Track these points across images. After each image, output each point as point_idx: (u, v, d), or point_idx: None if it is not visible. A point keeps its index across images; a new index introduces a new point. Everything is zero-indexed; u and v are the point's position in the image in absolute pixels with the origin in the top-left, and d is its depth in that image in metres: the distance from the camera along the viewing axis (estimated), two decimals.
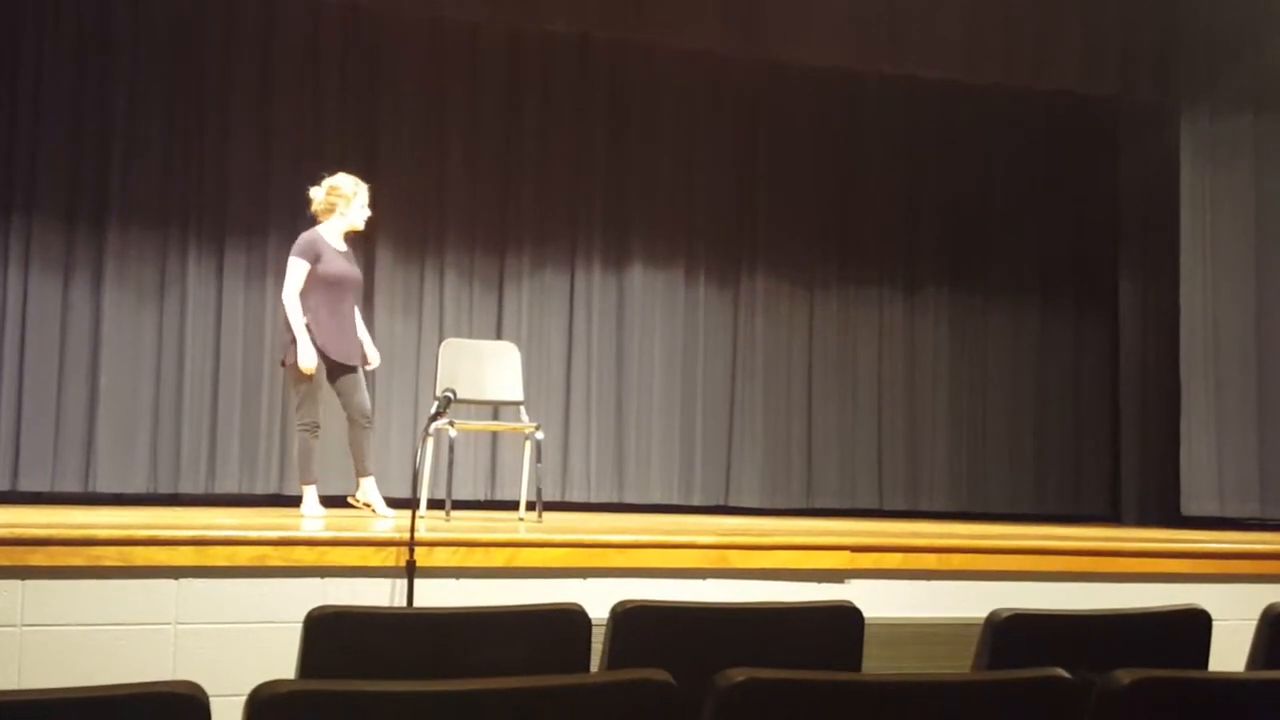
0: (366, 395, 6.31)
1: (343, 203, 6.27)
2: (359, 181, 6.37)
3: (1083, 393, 9.91)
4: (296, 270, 6.13)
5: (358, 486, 6.29)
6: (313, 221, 6.38)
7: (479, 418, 7.61)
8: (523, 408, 6.93)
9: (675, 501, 8.90)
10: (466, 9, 8.03)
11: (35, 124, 7.90)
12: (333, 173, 6.42)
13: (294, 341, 6.06)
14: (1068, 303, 9.95)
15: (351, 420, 6.24)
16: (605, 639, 3.00)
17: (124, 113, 8.06)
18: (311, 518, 5.96)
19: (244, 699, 1.92)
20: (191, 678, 2.01)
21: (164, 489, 7.94)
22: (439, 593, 4.67)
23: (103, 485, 7.81)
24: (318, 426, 6.13)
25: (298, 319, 6.07)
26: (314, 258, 6.16)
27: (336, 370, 6.19)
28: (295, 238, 8.25)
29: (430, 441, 6.57)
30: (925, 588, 5.29)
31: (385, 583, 4.66)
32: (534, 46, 8.83)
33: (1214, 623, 3.35)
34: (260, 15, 8.32)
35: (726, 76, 9.17)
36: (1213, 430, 8.36)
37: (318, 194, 6.31)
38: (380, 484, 6.39)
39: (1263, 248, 8.38)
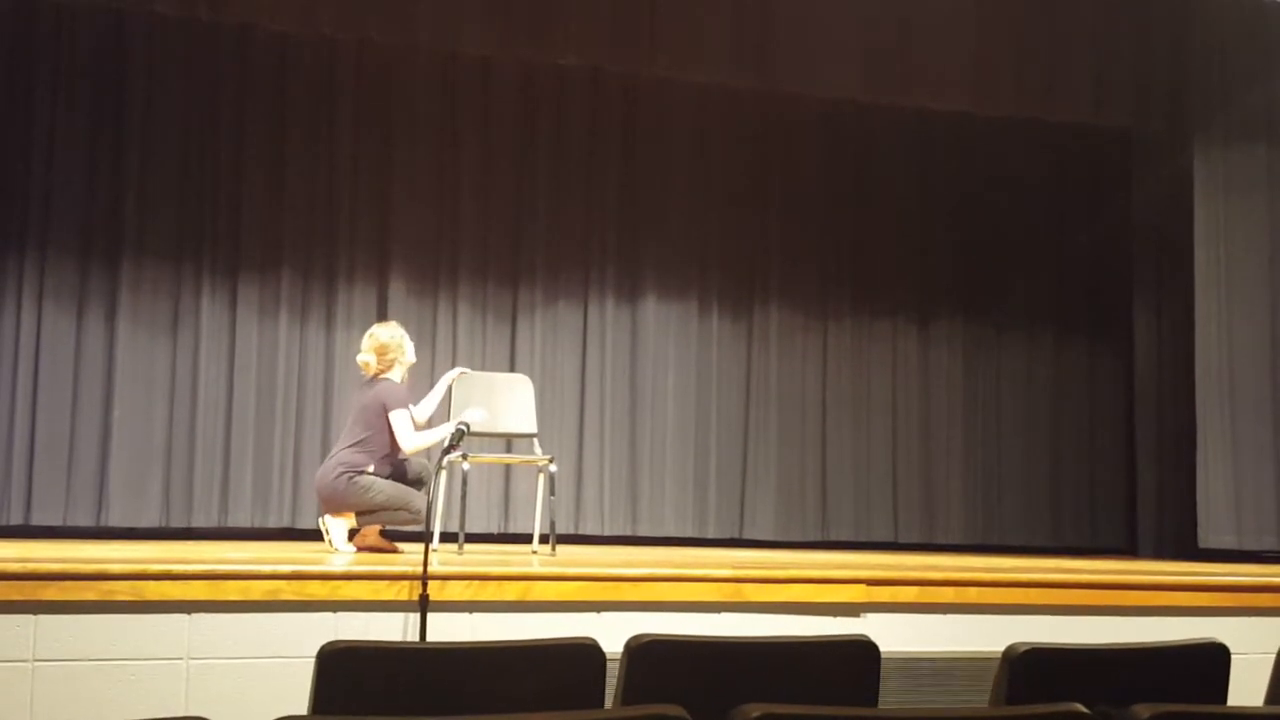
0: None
1: (399, 354, 6.34)
2: (392, 325, 6.50)
3: (1098, 424, 9.86)
4: (407, 417, 6.18)
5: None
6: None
7: (492, 450, 7.60)
8: (536, 440, 6.92)
9: (689, 534, 8.86)
10: (479, 43, 8.07)
11: (50, 159, 7.94)
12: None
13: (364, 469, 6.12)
14: (1082, 334, 9.92)
15: None
16: (620, 674, 2.98)
17: (138, 148, 8.10)
18: (341, 551, 6.01)
19: None
20: (204, 713, 2.00)
21: (177, 523, 7.93)
22: (452, 627, 4.65)
23: (115, 520, 7.80)
24: (418, 511, 6.10)
25: (436, 434, 6.20)
26: (408, 404, 6.24)
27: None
28: (308, 271, 8.35)
29: (444, 474, 6.56)
30: (942, 621, 5.26)
31: (398, 617, 4.65)
32: (546, 80, 8.86)
33: (1233, 656, 3.32)
34: (273, 48, 8.35)
35: (738, 109, 9.19)
36: (1229, 462, 8.30)
37: (371, 361, 6.32)
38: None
39: (1277, 277, 8.35)
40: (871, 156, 9.60)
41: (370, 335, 6.42)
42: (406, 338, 6.41)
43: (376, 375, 6.31)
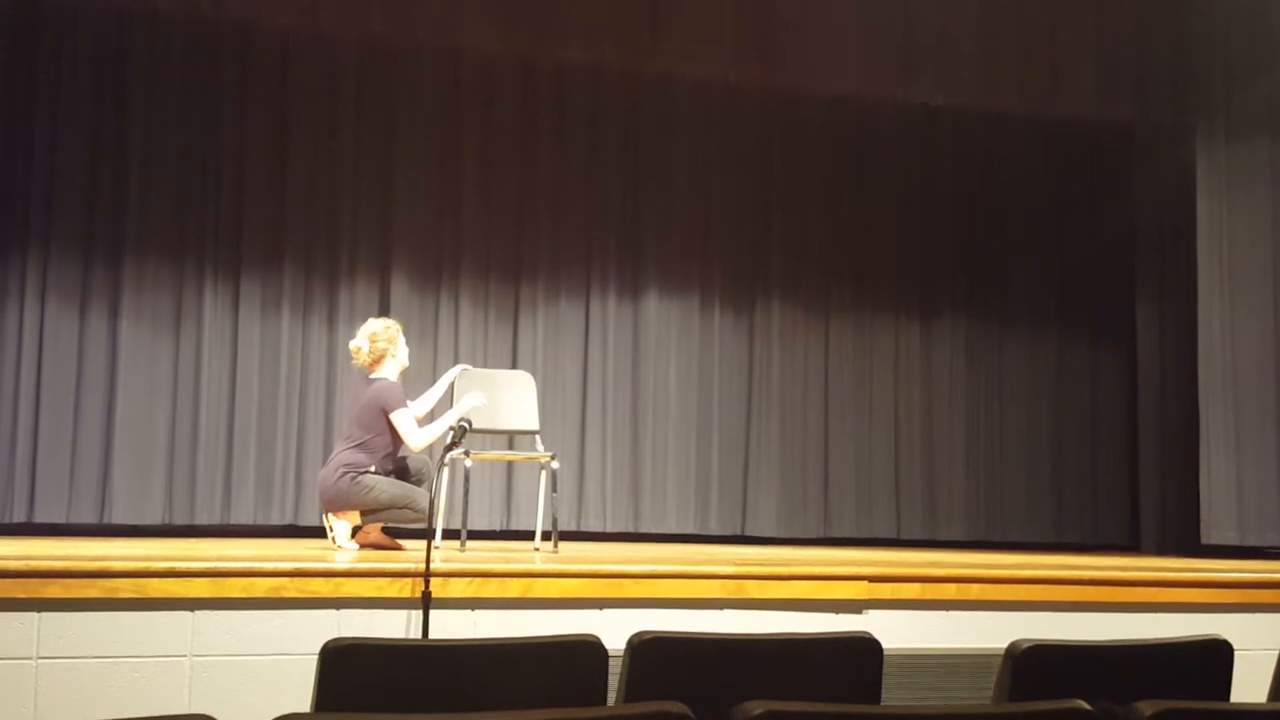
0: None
1: (390, 346, 6.34)
2: (388, 320, 6.49)
3: (1100, 420, 9.86)
4: (409, 415, 6.19)
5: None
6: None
7: (494, 447, 7.60)
8: (538, 437, 6.92)
9: (692, 531, 8.86)
10: (481, 39, 8.07)
11: (53, 157, 7.94)
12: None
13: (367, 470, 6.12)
14: (1084, 329, 9.91)
15: None
16: (622, 670, 2.98)
17: (140, 145, 8.09)
18: (344, 549, 6.02)
19: None
20: (207, 710, 2.00)
21: (180, 520, 7.93)
22: (455, 624, 4.66)
23: (118, 517, 7.81)
24: (422, 509, 6.07)
25: (440, 426, 6.15)
26: (406, 401, 6.25)
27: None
28: (310, 268, 8.35)
29: (446, 471, 6.57)
30: (944, 618, 5.26)
31: (401, 614, 4.65)
32: (548, 75, 8.86)
33: (1236, 653, 3.32)
34: (276, 46, 8.35)
35: (740, 104, 9.18)
36: (1233, 458, 8.29)
37: (363, 346, 6.31)
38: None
39: None
40: (874, 151, 9.59)
41: (366, 323, 6.44)
42: (401, 335, 6.40)
43: (368, 368, 6.30)
